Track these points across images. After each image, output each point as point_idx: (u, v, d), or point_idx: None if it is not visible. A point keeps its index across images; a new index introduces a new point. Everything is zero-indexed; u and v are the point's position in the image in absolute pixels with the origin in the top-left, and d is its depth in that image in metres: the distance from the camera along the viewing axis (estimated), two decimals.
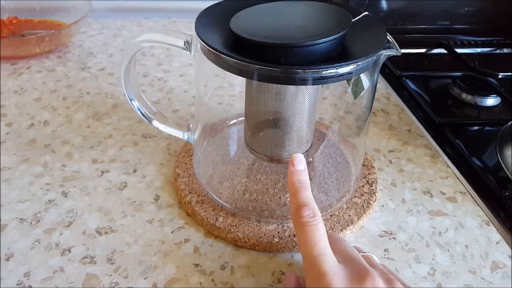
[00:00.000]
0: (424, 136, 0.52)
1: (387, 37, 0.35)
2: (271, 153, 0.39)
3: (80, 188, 0.42)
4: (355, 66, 0.31)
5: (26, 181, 0.43)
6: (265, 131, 0.38)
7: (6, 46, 0.60)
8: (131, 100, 0.41)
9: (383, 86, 0.62)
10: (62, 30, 0.62)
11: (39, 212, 0.40)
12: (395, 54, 0.34)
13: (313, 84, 0.31)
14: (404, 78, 0.63)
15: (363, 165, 0.45)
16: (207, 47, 0.31)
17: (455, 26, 0.81)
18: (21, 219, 0.39)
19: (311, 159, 0.44)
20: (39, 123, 0.51)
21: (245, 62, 0.30)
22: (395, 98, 0.59)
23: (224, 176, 0.42)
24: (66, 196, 0.41)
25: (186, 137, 0.43)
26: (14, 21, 0.70)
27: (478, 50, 0.74)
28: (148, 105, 0.42)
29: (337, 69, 0.30)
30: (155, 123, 0.42)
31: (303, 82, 0.31)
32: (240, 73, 0.31)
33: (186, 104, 0.55)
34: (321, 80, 0.31)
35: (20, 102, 0.54)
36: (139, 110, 0.42)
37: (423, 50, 0.74)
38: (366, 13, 0.37)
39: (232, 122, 0.49)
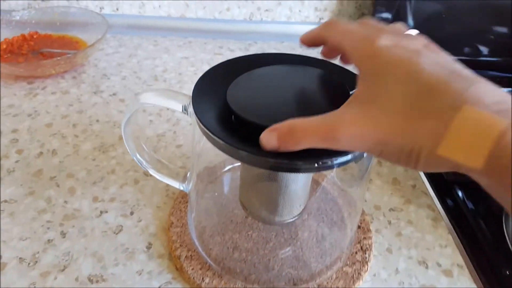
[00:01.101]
0: (428, 194, 0.51)
1: None
2: (263, 215, 0.39)
3: (79, 228, 0.44)
4: (352, 155, 0.30)
5: (29, 217, 0.44)
6: (258, 193, 0.39)
7: (23, 68, 0.61)
8: (131, 151, 0.42)
9: None
10: (77, 54, 0.63)
11: (38, 252, 0.41)
12: None
13: (307, 172, 0.31)
14: None
15: (359, 227, 0.45)
16: (201, 125, 0.31)
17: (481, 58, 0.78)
18: (20, 258, 0.41)
19: (306, 217, 0.44)
20: (48, 152, 0.52)
21: (234, 147, 0.30)
22: None
23: (216, 230, 0.42)
24: (64, 237, 0.43)
25: (182, 187, 0.43)
26: (34, 36, 0.72)
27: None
28: (146, 154, 0.43)
29: (333, 161, 0.29)
30: (152, 171, 0.43)
31: (295, 170, 0.30)
32: (231, 155, 0.31)
33: (190, 138, 0.56)
34: (316, 169, 0.30)
35: (32, 127, 0.56)
36: (137, 159, 0.42)
37: None
38: None
39: (228, 167, 0.49)
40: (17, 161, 0.51)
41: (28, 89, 0.63)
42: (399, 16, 0.73)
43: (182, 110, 0.37)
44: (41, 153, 0.52)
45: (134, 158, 0.42)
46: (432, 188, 0.52)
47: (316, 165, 0.29)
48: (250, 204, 0.40)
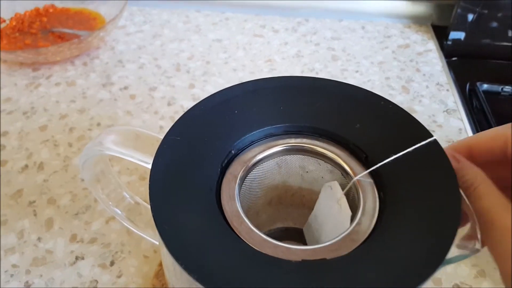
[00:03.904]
0: None
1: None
2: None
3: (46, 279, 0.35)
4: None
5: None
6: None
7: (22, 56, 0.52)
8: (102, 203, 0.32)
9: None
10: (85, 38, 0.53)
11: None
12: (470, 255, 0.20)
13: None
14: None
15: None
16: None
17: None
18: None
19: None
20: (34, 165, 0.44)
21: None
22: None
23: None
24: None
25: None
26: (50, 10, 0.63)
27: None
28: (128, 204, 0.32)
29: None
30: (130, 224, 0.33)
31: None
32: None
33: None
34: None
35: (24, 129, 0.48)
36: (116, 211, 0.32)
37: None
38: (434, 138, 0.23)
39: None
40: None
41: (32, 77, 0.55)
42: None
43: None
44: (26, 166, 0.44)
45: (108, 210, 0.32)
46: None
47: None
48: None
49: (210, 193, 0.22)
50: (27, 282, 0.35)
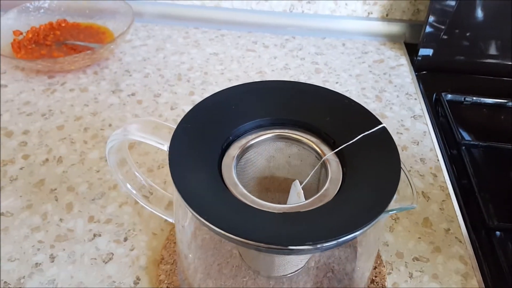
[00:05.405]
0: (463, 242, 0.43)
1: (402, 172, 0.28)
2: (262, 269, 0.35)
3: (69, 253, 0.41)
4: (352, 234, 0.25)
5: (22, 234, 0.43)
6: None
7: (41, 64, 0.59)
8: (119, 182, 0.38)
9: (433, 155, 0.53)
10: (96, 50, 0.60)
11: (23, 277, 0.39)
12: (408, 208, 0.27)
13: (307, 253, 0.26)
14: (463, 147, 0.53)
15: (373, 281, 0.39)
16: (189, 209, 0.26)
17: None
18: (5, 282, 0.39)
19: (312, 264, 0.39)
20: (54, 159, 0.50)
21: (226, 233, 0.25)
22: (443, 177, 0.50)
23: (209, 272, 0.38)
24: (53, 261, 0.41)
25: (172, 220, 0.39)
26: (62, 25, 0.70)
27: None
28: (138, 182, 0.39)
29: (335, 240, 0.24)
30: (144, 202, 0.39)
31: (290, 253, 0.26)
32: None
33: None
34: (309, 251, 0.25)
35: (43, 128, 0.54)
36: (128, 190, 0.39)
37: (503, 101, 0.62)
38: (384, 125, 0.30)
39: None
40: (21, 168, 0.49)
41: (48, 84, 0.61)
42: (460, 15, 0.63)
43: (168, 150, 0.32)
44: (47, 160, 0.50)
45: (126, 190, 0.38)
46: (468, 234, 0.44)
47: (309, 247, 0.24)
48: (246, 256, 0.36)
49: (214, 167, 0.29)
50: (51, 255, 0.41)
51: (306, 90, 0.35)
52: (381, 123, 0.30)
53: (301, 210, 0.27)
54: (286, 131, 0.33)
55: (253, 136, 0.33)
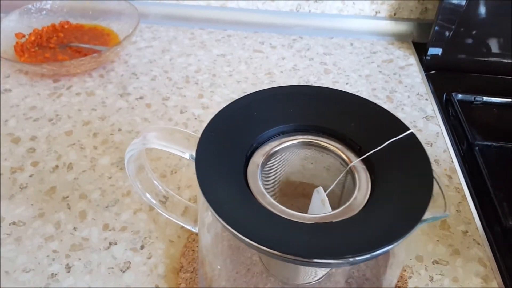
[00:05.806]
0: (481, 244, 0.43)
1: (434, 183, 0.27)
2: (284, 277, 0.34)
3: (85, 262, 0.41)
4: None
5: (35, 244, 0.42)
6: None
7: (46, 68, 0.58)
8: (139, 192, 0.37)
9: (447, 157, 0.52)
10: (103, 53, 0.59)
11: None
12: (442, 217, 0.27)
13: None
14: (477, 148, 0.53)
15: (396, 286, 0.38)
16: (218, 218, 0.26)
17: None
18: None
19: (333, 271, 0.38)
20: (64, 165, 0.49)
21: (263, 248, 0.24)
22: (458, 178, 0.50)
23: (230, 280, 0.38)
24: (69, 271, 0.40)
25: (195, 230, 0.39)
26: (65, 26, 0.69)
27: None
28: (157, 191, 0.38)
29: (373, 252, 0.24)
30: (162, 210, 0.39)
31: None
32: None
33: None
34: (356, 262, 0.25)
35: (51, 134, 0.53)
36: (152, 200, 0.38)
37: None
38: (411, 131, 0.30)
39: None
40: (31, 175, 0.48)
41: (53, 88, 0.60)
42: (469, 14, 0.63)
43: (190, 158, 0.31)
44: (57, 166, 0.49)
45: (145, 199, 0.38)
46: (487, 236, 0.44)
47: (349, 259, 0.23)
48: (269, 264, 0.35)
49: (240, 175, 0.28)
50: (67, 264, 0.41)
51: (328, 95, 0.34)
52: (408, 128, 0.30)
53: (333, 220, 0.26)
54: (310, 137, 0.32)
55: (277, 142, 0.32)
